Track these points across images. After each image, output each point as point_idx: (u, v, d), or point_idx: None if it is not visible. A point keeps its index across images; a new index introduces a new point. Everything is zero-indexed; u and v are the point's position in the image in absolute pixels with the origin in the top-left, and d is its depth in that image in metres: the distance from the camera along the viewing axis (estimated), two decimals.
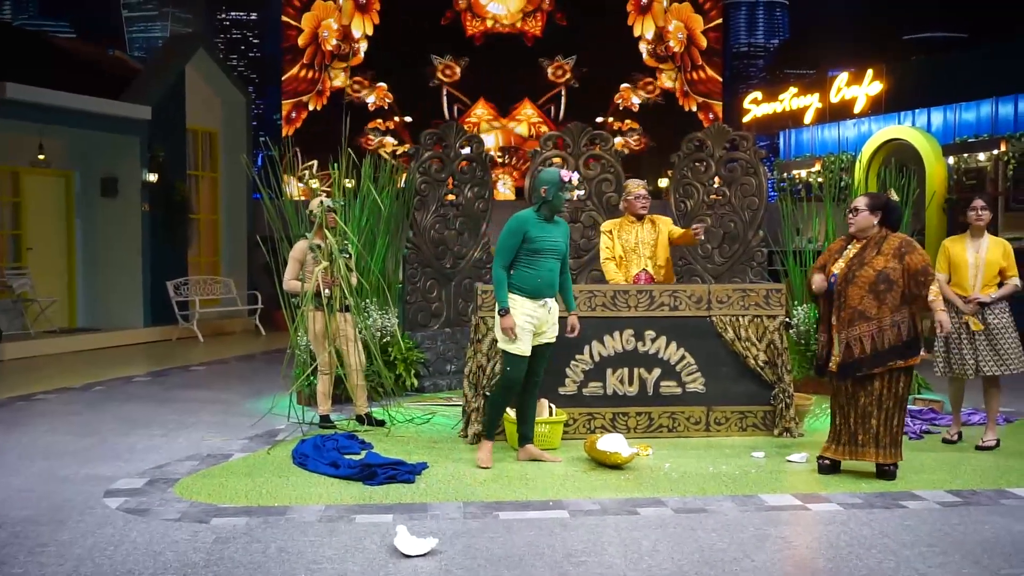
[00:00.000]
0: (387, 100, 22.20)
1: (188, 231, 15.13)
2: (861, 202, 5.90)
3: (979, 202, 6.90)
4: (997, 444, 6.79)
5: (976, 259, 6.78)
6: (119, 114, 13.57)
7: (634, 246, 7.61)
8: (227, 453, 6.50)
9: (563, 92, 22.66)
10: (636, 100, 22.51)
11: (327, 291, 7.17)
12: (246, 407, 8.37)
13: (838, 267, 5.86)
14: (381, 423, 7.45)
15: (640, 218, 7.66)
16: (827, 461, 5.95)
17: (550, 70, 22.67)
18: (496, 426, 6.32)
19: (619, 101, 22.75)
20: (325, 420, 7.39)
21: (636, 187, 7.76)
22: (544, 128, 21.42)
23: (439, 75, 22.50)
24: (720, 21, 23.07)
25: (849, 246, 5.93)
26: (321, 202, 7.39)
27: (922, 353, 5.79)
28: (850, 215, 5.96)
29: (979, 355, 6.72)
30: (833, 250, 6.03)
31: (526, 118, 22.58)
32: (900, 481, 5.74)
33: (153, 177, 14.07)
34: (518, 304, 6.05)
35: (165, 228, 14.34)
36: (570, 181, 6.08)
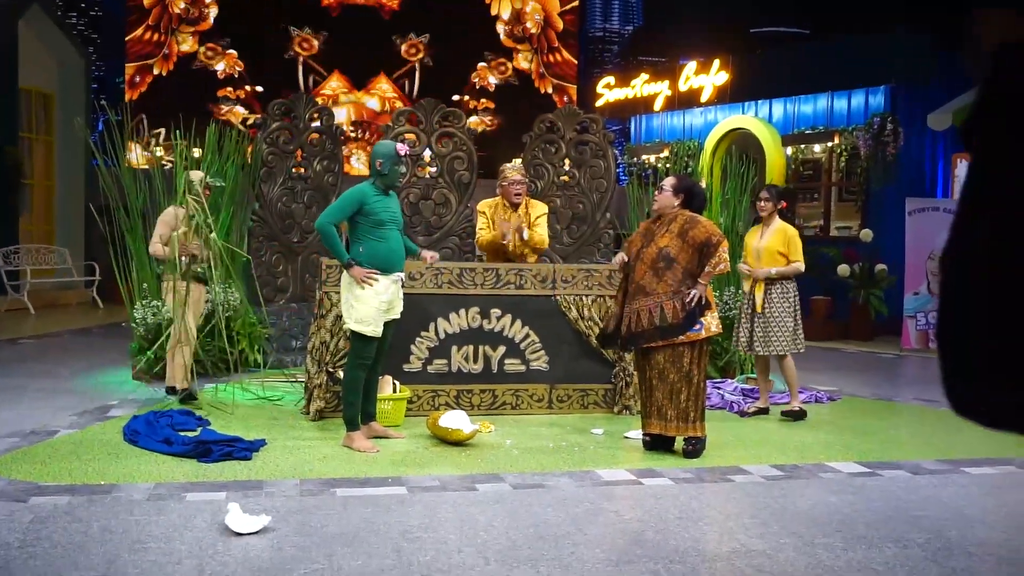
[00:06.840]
0: (237, 68, 21.47)
1: (20, 197, 14.29)
2: (667, 182, 6.08)
3: (764, 193, 7.35)
4: (801, 413, 7.20)
5: (758, 246, 7.19)
6: None
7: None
8: (52, 430, 6.19)
9: (417, 69, 22.44)
10: (493, 80, 22.56)
11: (184, 259, 7.00)
12: (77, 382, 8.01)
13: (636, 245, 6.05)
14: (193, 398, 7.07)
15: (515, 206, 7.62)
16: (648, 437, 6.12)
17: (403, 47, 22.39)
18: (357, 409, 6.01)
19: (476, 80, 22.71)
20: (187, 396, 6.99)
21: (512, 172, 7.56)
22: (399, 104, 21.17)
23: (296, 47, 21.89)
24: (576, 4, 23.25)
25: (654, 225, 6.11)
26: (204, 179, 7.20)
27: (713, 329, 5.91)
28: (656, 192, 6.13)
29: (753, 334, 7.23)
30: (641, 230, 6.21)
31: (380, 92, 22.27)
32: (730, 456, 5.98)
33: None
34: (374, 284, 5.95)
35: None
36: (406, 155, 6.03)
